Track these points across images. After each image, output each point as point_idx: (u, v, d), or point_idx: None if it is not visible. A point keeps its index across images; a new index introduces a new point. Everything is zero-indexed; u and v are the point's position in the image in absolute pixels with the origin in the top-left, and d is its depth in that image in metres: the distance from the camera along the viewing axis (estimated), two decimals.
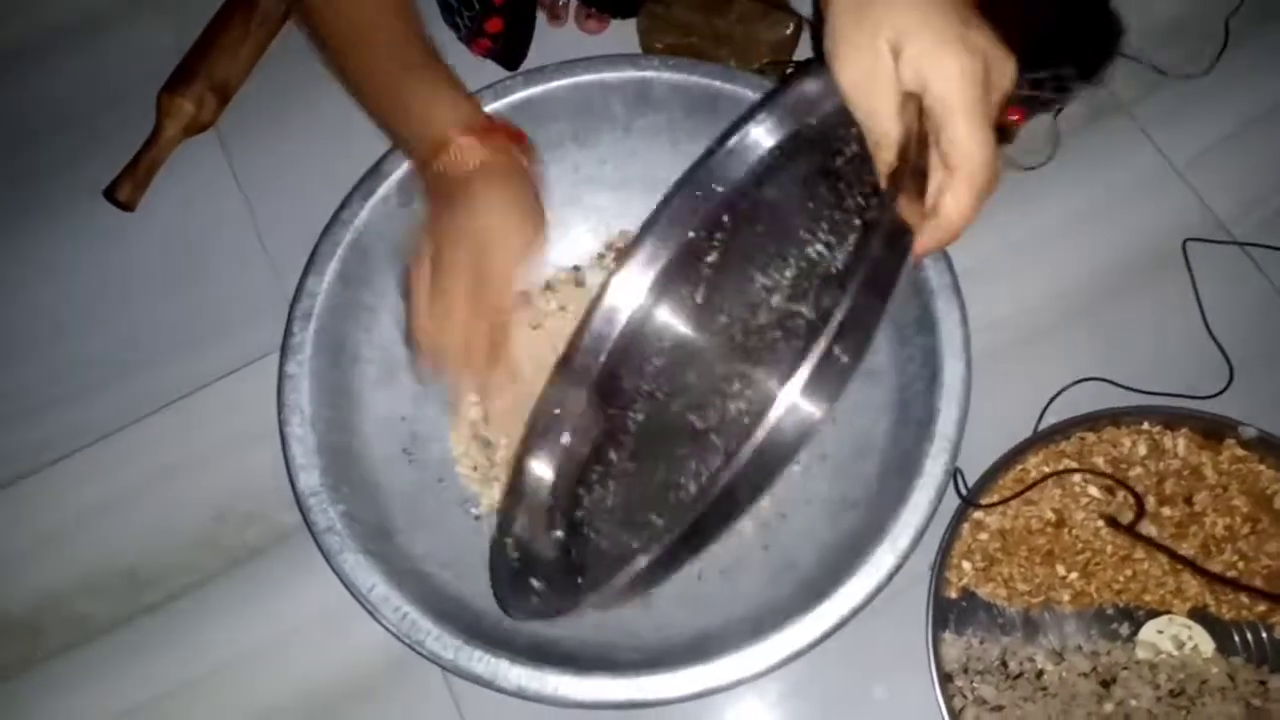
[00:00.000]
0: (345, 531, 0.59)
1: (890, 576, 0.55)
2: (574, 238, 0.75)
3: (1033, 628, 0.65)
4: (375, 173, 0.66)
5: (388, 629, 0.57)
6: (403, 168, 0.66)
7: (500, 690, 0.56)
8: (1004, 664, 0.64)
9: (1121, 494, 0.66)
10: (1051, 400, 0.72)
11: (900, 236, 0.40)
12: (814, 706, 0.66)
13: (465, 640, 0.56)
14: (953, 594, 0.66)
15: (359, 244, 0.66)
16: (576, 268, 0.75)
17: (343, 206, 0.65)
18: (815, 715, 0.66)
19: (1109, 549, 0.66)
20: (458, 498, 0.69)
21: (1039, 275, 0.77)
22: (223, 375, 0.76)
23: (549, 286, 0.75)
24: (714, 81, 0.67)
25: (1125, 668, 0.63)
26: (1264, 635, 0.63)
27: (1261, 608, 0.63)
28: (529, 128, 0.68)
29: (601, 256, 0.75)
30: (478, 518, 0.69)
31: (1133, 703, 0.62)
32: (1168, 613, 0.64)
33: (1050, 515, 0.66)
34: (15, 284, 0.80)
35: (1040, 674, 0.63)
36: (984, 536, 0.66)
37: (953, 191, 0.41)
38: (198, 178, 0.81)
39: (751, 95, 0.66)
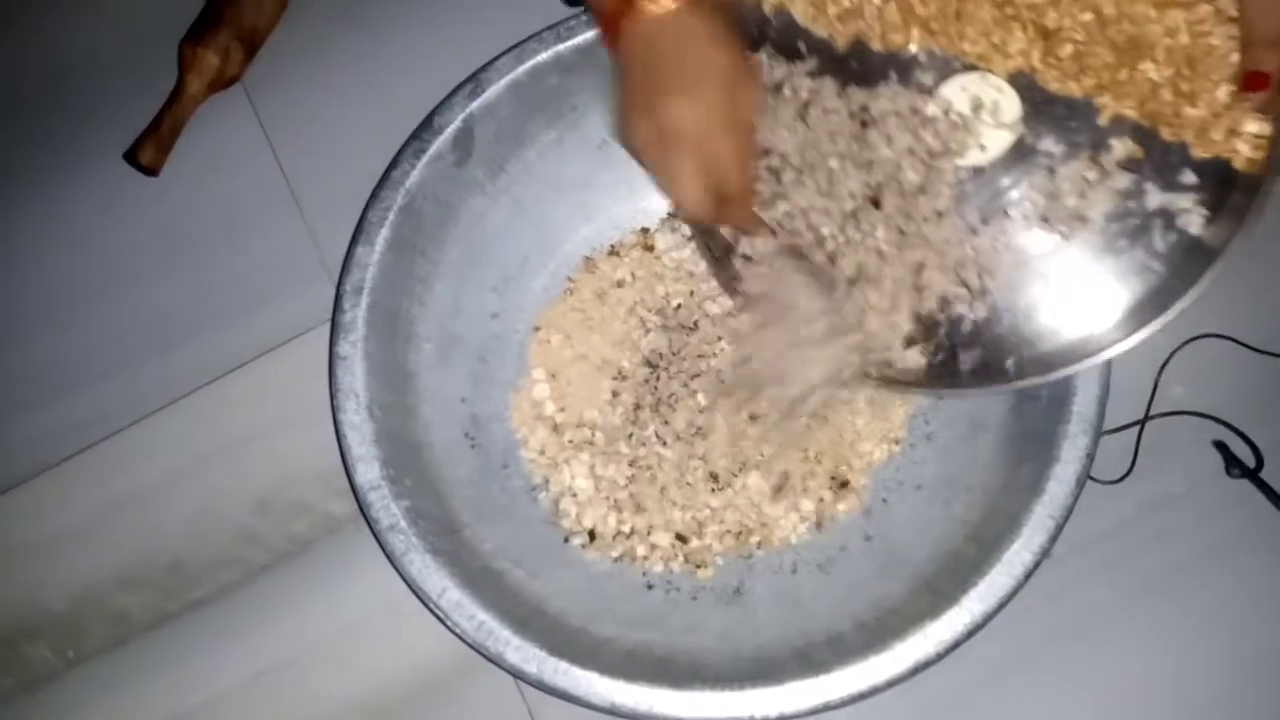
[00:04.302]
0: (410, 529, 0.53)
1: (1027, 577, 0.49)
2: (641, 195, 0.68)
3: (835, 62, 0.51)
4: (427, 127, 0.59)
5: (462, 639, 0.52)
6: (457, 122, 0.59)
7: (590, 707, 0.50)
8: (779, 87, 0.52)
9: None
10: (1168, 358, 0.65)
11: None
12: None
13: (549, 651, 0.51)
14: (767, 9, 0.53)
15: (411, 207, 0.59)
16: (645, 230, 0.68)
17: (392, 166, 0.59)
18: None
19: None
20: (524, 485, 0.63)
21: None
22: (261, 353, 0.70)
23: (615, 251, 0.68)
24: None
25: (897, 114, 0.50)
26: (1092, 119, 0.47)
27: (1091, 82, 0.47)
28: (592, 77, 0.62)
29: (671, 216, 0.69)
30: (545, 507, 0.63)
31: (884, 151, 0.50)
32: (986, 69, 0.49)
33: None
34: (32, 257, 0.74)
35: (807, 105, 0.52)
36: None
37: None
38: (225, 136, 0.75)
39: None
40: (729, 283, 0.55)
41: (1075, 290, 0.46)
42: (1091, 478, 0.61)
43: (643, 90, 0.48)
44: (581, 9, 0.61)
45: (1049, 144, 0.46)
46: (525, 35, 0.60)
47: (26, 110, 0.77)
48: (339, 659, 0.65)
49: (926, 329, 0.48)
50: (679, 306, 0.66)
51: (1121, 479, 0.63)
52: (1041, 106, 0.46)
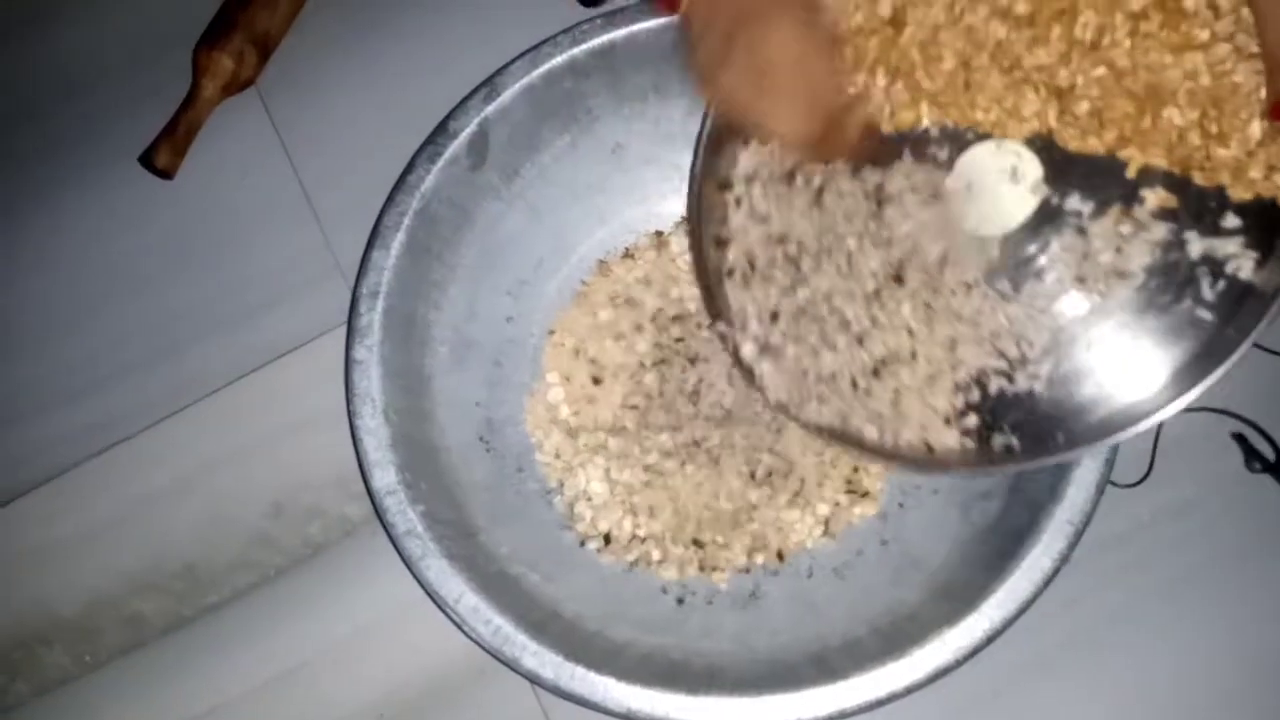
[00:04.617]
0: (427, 534, 0.53)
1: (1046, 583, 0.49)
2: (655, 199, 0.68)
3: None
4: (442, 131, 0.59)
5: (479, 644, 0.52)
6: (472, 126, 0.59)
7: (606, 712, 0.50)
8: (791, 175, 0.52)
9: None
10: None
11: None
12: None
13: (565, 656, 0.51)
14: None
15: (426, 212, 0.59)
16: (659, 233, 0.68)
17: (408, 170, 0.59)
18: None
19: (946, 54, 0.49)
20: (539, 489, 0.63)
21: None
22: (274, 357, 0.70)
23: (629, 255, 0.68)
24: None
25: (913, 190, 0.50)
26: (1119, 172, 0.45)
27: (1113, 135, 0.45)
28: (607, 78, 0.62)
29: (685, 220, 0.69)
30: (560, 511, 0.63)
31: (902, 227, 0.49)
32: (1002, 137, 0.48)
33: (887, 13, 0.51)
34: (46, 261, 0.74)
35: (821, 191, 0.51)
36: None
37: None
38: (240, 140, 0.75)
39: None
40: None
41: (1123, 350, 0.44)
42: (1110, 481, 0.61)
43: (717, 34, 0.46)
44: (596, 14, 0.61)
45: (1075, 202, 0.45)
46: (540, 39, 0.60)
47: (41, 114, 0.77)
48: (353, 662, 0.65)
49: (965, 407, 0.47)
50: (694, 309, 0.66)
51: (1139, 482, 0.63)
52: (1063, 165, 0.45)
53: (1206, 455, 0.64)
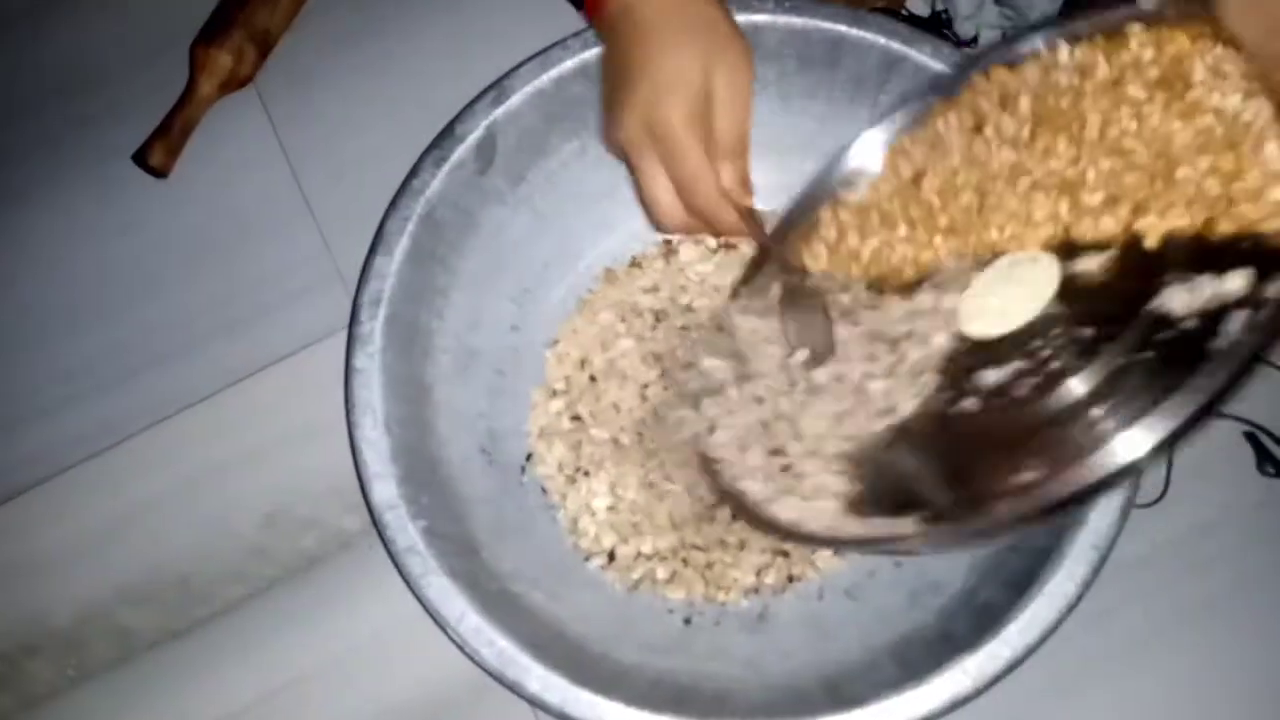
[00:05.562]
0: (428, 551, 0.51)
1: (1070, 609, 0.48)
2: None
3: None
4: (449, 135, 0.58)
5: (482, 666, 0.50)
6: (479, 130, 0.58)
7: None
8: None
9: (989, 129, 0.49)
10: None
11: None
12: None
13: (571, 679, 0.49)
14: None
15: (431, 217, 0.57)
16: (667, 241, 0.67)
17: (412, 175, 0.57)
18: None
19: (963, 191, 0.49)
20: (541, 502, 0.62)
21: None
22: (270, 362, 0.68)
23: (636, 263, 0.67)
24: (838, 26, 0.58)
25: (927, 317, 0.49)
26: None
27: (1125, 208, 0.43)
28: None
29: None
30: (563, 526, 0.61)
31: (913, 354, 0.48)
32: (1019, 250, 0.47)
33: (909, 174, 0.52)
34: (37, 261, 0.72)
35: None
36: (845, 216, 0.54)
37: None
38: (237, 139, 0.73)
39: (883, 42, 0.57)
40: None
41: (1133, 419, 0.40)
42: None
43: (632, 77, 0.46)
44: None
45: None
46: (550, 41, 0.58)
47: (37, 111, 0.75)
48: (346, 680, 0.63)
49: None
50: (703, 320, 0.65)
51: (1157, 501, 0.62)
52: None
53: (1221, 464, 0.63)
